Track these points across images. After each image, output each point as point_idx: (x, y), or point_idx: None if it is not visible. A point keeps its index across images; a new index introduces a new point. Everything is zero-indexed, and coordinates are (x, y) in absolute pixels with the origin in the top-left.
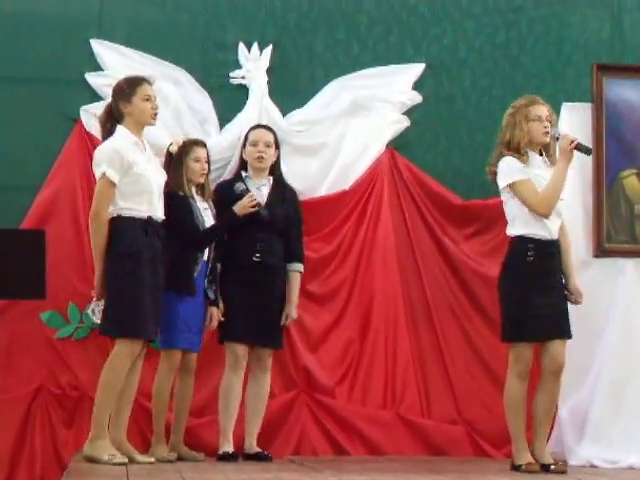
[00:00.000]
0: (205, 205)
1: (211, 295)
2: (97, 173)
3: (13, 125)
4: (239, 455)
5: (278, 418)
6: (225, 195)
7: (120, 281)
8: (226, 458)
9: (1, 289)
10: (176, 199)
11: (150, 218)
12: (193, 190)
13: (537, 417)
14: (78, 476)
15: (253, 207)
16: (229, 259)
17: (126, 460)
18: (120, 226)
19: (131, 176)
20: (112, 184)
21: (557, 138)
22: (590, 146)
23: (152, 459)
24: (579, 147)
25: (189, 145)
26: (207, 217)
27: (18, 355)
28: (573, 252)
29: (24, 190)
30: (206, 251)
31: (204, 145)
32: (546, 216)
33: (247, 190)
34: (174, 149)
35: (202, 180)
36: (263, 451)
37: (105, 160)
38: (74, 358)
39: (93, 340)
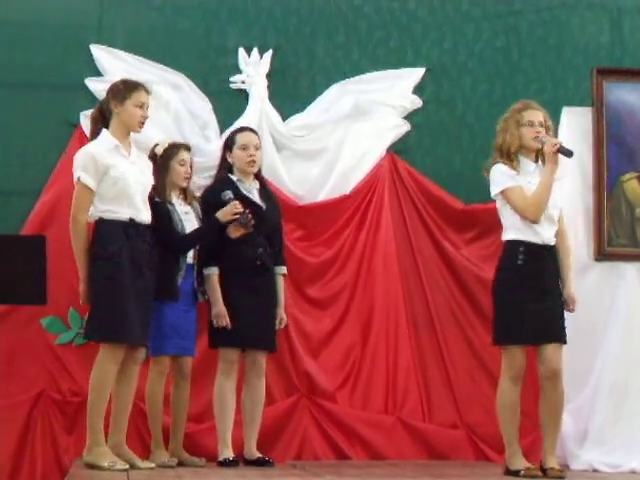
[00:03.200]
0: (187, 209)
1: (200, 298)
2: (74, 178)
3: (13, 130)
4: (240, 460)
5: (279, 423)
6: (212, 200)
7: (99, 284)
8: (227, 464)
9: (2, 295)
10: (154, 205)
11: (132, 220)
12: (173, 195)
13: (542, 424)
14: None
15: (236, 215)
16: (229, 262)
17: (127, 466)
18: (101, 229)
19: (108, 180)
20: (87, 189)
21: (543, 143)
22: (571, 149)
23: (153, 464)
24: (561, 150)
25: (175, 148)
26: (188, 222)
27: (19, 361)
28: (572, 259)
29: (24, 195)
30: (191, 254)
31: (188, 149)
32: (535, 221)
33: (233, 198)
34: (159, 150)
35: (185, 184)
36: (264, 456)
37: (80, 165)
38: (74, 364)
39: (93, 346)
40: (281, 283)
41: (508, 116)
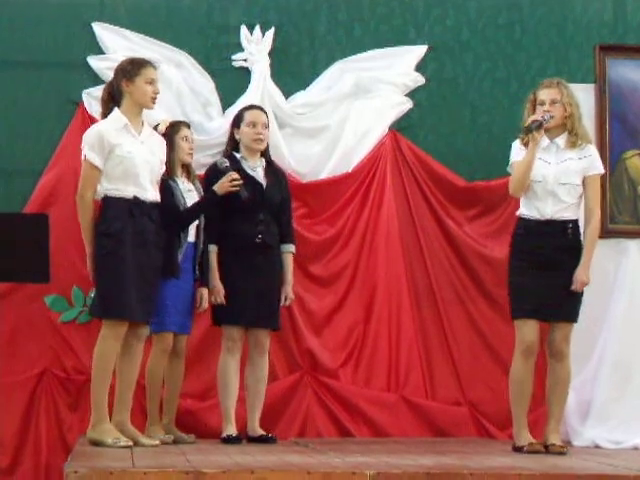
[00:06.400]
0: (190, 187)
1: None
2: (82, 156)
3: (15, 109)
4: (243, 437)
5: (282, 400)
6: (214, 175)
7: (101, 261)
8: (230, 441)
9: (5, 273)
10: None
11: (136, 198)
12: (179, 172)
13: (547, 399)
14: (83, 459)
15: (234, 187)
16: (230, 240)
17: (131, 443)
18: (106, 207)
19: (114, 158)
20: (94, 167)
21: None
22: (531, 124)
23: (157, 441)
24: (527, 128)
25: (176, 125)
26: (191, 199)
27: (22, 339)
28: (592, 239)
29: (27, 174)
30: (193, 233)
31: (188, 125)
32: (513, 194)
33: (230, 167)
34: (162, 129)
35: (190, 160)
36: (267, 433)
37: (87, 143)
38: (78, 342)
39: (97, 323)
40: (289, 261)
41: (529, 95)
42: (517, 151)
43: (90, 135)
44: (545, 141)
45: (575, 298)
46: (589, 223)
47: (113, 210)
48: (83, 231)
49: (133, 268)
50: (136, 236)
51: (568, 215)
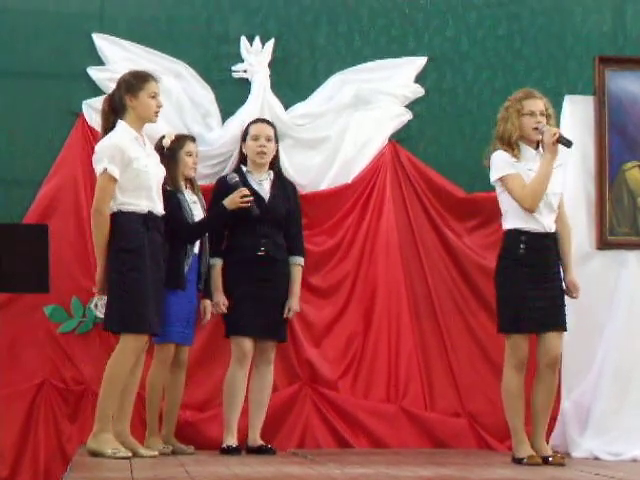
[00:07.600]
0: (194, 198)
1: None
2: (98, 169)
3: (15, 119)
4: (242, 448)
5: (281, 411)
6: (222, 188)
7: (123, 277)
8: (230, 451)
9: (4, 283)
10: (165, 194)
11: (150, 213)
12: (182, 184)
13: (535, 410)
14: (82, 470)
15: (244, 203)
16: (234, 253)
17: (130, 454)
18: (121, 221)
19: (131, 172)
20: (113, 180)
21: (543, 133)
22: (571, 139)
23: (156, 452)
24: (560, 140)
25: (182, 139)
26: (196, 210)
27: (21, 349)
28: (573, 245)
29: (27, 184)
30: (197, 245)
31: (194, 140)
32: (531, 210)
33: (240, 183)
34: (167, 142)
35: (193, 174)
36: (266, 444)
37: (106, 156)
38: (77, 352)
39: (96, 334)
40: (296, 273)
41: (509, 105)
42: (509, 163)
43: (109, 147)
44: (531, 152)
45: (564, 306)
46: (567, 230)
47: (130, 224)
48: (98, 246)
49: (151, 282)
50: (151, 250)
51: (555, 225)
